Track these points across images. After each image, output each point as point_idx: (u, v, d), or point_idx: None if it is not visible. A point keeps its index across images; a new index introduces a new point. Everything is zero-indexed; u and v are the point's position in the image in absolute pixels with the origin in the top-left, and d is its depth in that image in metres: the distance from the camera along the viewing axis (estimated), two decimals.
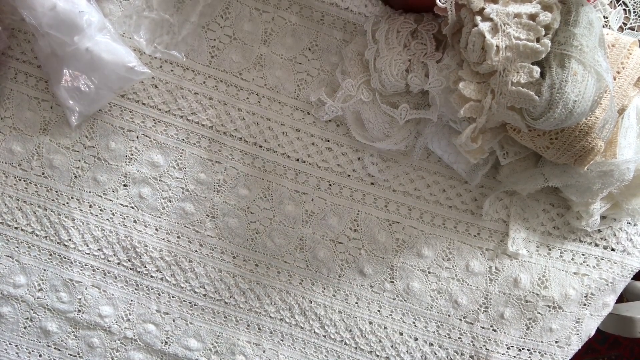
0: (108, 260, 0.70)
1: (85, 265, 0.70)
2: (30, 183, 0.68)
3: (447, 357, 0.70)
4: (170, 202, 0.69)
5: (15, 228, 0.69)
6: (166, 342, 0.71)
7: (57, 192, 0.68)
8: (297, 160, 0.68)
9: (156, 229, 0.69)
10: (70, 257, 0.70)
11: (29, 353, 0.72)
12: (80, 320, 0.71)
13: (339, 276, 0.69)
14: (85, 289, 0.70)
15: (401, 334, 0.70)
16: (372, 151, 0.67)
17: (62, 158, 0.68)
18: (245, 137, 0.68)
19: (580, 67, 0.51)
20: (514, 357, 0.69)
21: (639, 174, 0.61)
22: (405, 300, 0.69)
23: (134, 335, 0.71)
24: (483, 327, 0.69)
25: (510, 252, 0.68)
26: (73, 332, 0.71)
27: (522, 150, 0.62)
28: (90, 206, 0.69)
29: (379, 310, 0.70)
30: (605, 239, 0.69)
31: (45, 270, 0.70)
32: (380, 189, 0.68)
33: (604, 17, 0.66)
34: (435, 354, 0.70)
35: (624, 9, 0.66)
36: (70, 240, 0.69)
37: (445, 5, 0.54)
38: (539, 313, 0.68)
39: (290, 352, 0.71)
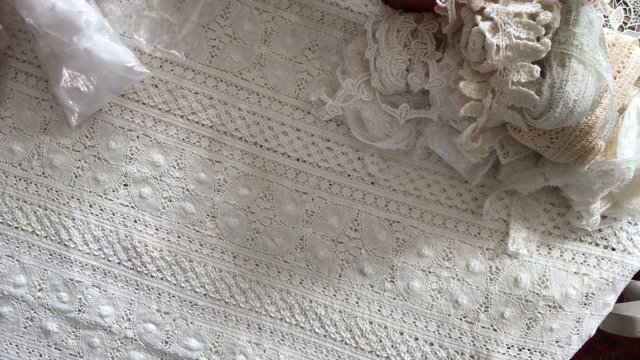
0: (108, 260, 0.70)
1: (86, 265, 0.70)
2: (30, 183, 0.68)
3: (448, 357, 0.70)
4: (170, 201, 0.69)
5: (16, 228, 0.69)
6: (166, 342, 0.71)
7: (57, 191, 0.68)
8: (298, 159, 0.68)
9: (156, 229, 0.69)
10: (70, 257, 0.70)
11: (29, 353, 0.72)
12: (80, 320, 0.71)
13: (340, 276, 0.69)
14: (86, 288, 0.70)
15: (401, 333, 0.70)
16: (373, 151, 0.67)
17: (63, 158, 0.68)
18: (246, 136, 0.68)
19: (581, 67, 0.51)
20: (515, 356, 0.69)
21: (639, 173, 0.61)
22: (405, 300, 0.69)
23: (135, 335, 0.71)
24: (483, 327, 0.69)
25: (511, 251, 0.68)
26: (73, 331, 0.71)
27: (523, 149, 0.62)
28: (91, 206, 0.69)
29: (379, 310, 0.70)
30: (605, 239, 0.69)
31: (45, 270, 0.70)
32: (381, 188, 0.68)
33: (604, 16, 0.66)
34: (436, 353, 0.70)
35: (624, 8, 0.66)
36: (70, 240, 0.69)
37: (445, 4, 0.54)
38: (540, 313, 0.68)
39: (291, 352, 0.71)
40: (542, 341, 0.69)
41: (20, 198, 0.69)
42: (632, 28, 0.67)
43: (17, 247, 0.70)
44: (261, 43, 0.66)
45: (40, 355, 0.72)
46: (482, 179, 0.66)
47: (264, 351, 0.71)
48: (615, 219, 0.67)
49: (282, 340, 0.71)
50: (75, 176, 0.68)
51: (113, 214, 0.69)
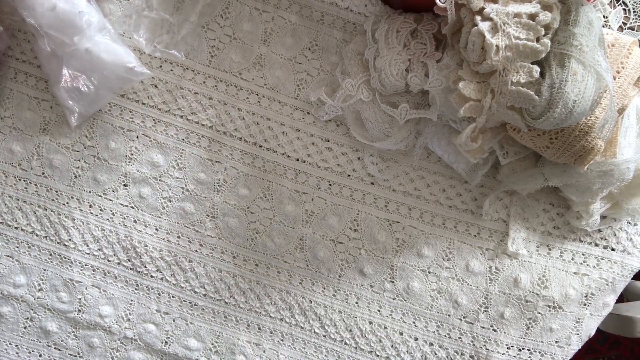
0: (108, 260, 0.70)
1: (85, 265, 0.70)
2: (30, 183, 0.68)
3: (447, 357, 0.70)
4: (170, 202, 0.69)
5: (15, 228, 0.69)
6: (166, 342, 0.71)
7: (57, 192, 0.68)
8: (297, 160, 0.68)
9: (156, 229, 0.69)
10: (70, 257, 0.70)
11: (29, 353, 0.72)
12: (80, 320, 0.71)
13: (339, 276, 0.69)
14: (85, 288, 0.70)
15: (401, 333, 0.70)
16: (372, 151, 0.67)
17: (62, 158, 0.68)
18: (245, 136, 0.68)
19: (580, 67, 0.51)
20: (514, 357, 0.69)
21: (639, 173, 0.61)
22: (405, 300, 0.69)
23: (134, 335, 0.71)
24: (483, 327, 0.69)
25: (510, 251, 0.68)
26: (73, 332, 0.71)
27: (522, 149, 0.62)
28: (90, 206, 0.69)
29: (379, 310, 0.70)
30: (605, 239, 0.69)
31: (45, 270, 0.70)
32: (380, 188, 0.68)
33: (604, 16, 0.66)
34: (435, 353, 0.70)
35: (624, 9, 0.66)
36: (70, 240, 0.69)
37: (445, 4, 0.54)
38: (539, 313, 0.68)
39: (291, 352, 0.71)
40: (542, 341, 0.69)
41: (20, 198, 0.69)
42: (631, 28, 0.67)
43: (17, 247, 0.70)
44: (261, 43, 0.66)
45: (40, 356, 0.72)
46: (481, 179, 0.66)
47: (264, 351, 0.71)
48: (614, 219, 0.67)
49: (282, 340, 0.71)
50: (75, 176, 0.68)
51: (113, 214, 0.69)
